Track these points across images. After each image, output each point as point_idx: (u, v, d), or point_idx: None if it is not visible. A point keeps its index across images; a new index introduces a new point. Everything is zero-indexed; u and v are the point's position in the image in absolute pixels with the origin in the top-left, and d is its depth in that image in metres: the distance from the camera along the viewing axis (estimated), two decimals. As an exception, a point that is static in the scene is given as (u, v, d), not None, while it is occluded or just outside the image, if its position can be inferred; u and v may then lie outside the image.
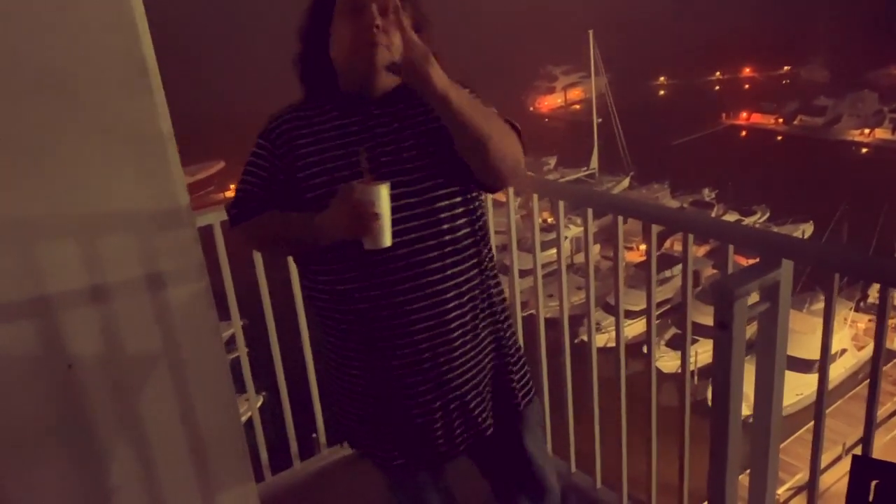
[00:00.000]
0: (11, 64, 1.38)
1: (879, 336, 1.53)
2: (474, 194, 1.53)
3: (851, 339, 17.70)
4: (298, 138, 1.47)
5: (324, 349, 1.62)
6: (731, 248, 1.81)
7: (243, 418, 2.02)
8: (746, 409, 1.85)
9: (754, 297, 1.74)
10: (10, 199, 1.43)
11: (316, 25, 1.47)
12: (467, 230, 1.50)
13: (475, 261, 1.51)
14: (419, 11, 1.47)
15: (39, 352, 1.52)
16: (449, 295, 1.47)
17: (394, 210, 1.37)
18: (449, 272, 1.47)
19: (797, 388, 13.62)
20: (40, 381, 1.54)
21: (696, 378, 13.31)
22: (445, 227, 1.46)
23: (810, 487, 1.86)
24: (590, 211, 2.15)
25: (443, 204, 1.46)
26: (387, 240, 1.36)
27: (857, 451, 1.51)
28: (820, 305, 15.86)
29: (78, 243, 1.53)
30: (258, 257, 2.31)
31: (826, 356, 1.66)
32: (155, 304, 1.63)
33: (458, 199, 1.49)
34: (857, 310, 18.35)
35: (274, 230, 1.52)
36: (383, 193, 1.33)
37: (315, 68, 1.50)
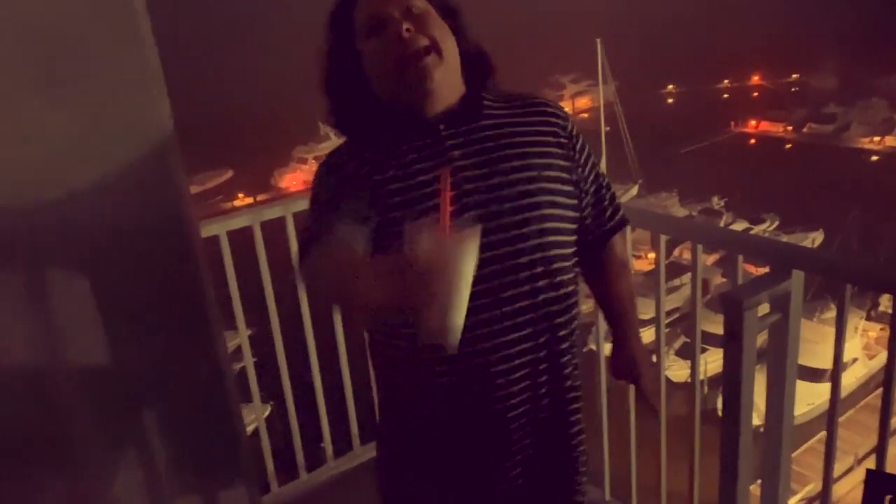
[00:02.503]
0: (11, 72, 1.37)
1: (893, 347, 1.50)
2: (574, 250, 1.30)
3: (862, 348, 17.56)
4: (358, 177, 1.22)
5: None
6: (740, 258, 1.80)
7: (249, 429, 2.01)
8: (757, 419, 1.83)
9: (765, 308, 1.72)
10: (10, 207, 1.42)
11: (342, 64, 1.25)
12: (569, 287, 1.27)
13: (569, 328, 1.29)
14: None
15: (36, 364, 1.51)
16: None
17: (481, 252, 1.11)
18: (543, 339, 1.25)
19: (808, 398, 13.51)
20: (37, 395, 1.52)
21: (705, 387, 13.22)
22: (541, 282, 1.22)
23: (823, 499, 1.84)
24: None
25: (549, 243, 1.22)
26: (454, 333, 0.92)
27: (870, 462, 1.49)
28: (830, 314, 15.75)
29: (80, 252, 1.51)
30: (265, 265, 2.30)
31: (838, 368, 1.64)
32: (158, 314, 1.62)
33: (564, 250, 1.25)
34: (868, 319, 18.21)
35: (321, 269, 1.19)
36: (467, 256, 0.89)
37: (356, 110, 1.26)
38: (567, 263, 1.26)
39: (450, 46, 1.22)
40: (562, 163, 1.27)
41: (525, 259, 1.20)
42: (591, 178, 1.35)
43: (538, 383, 1.26)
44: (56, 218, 1.47)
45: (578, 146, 1.32)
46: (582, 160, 1.32)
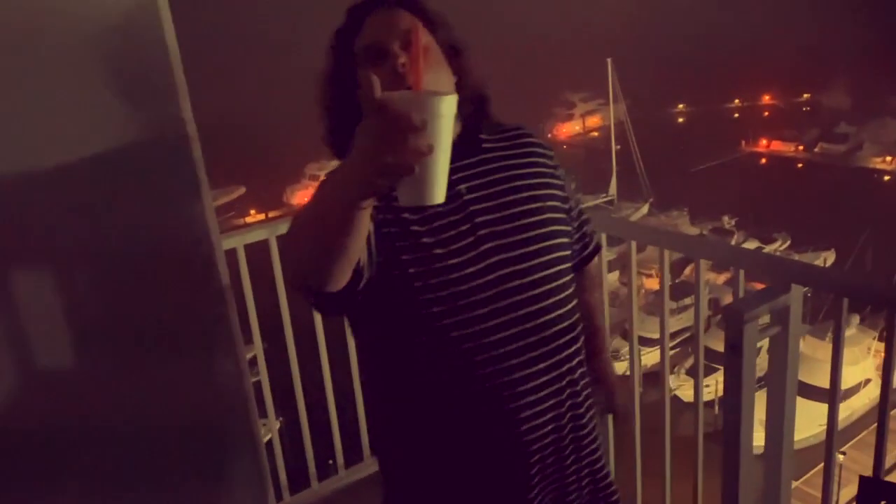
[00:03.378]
0: (42, 86, 1.44)
1: (889, 358, 1.55)
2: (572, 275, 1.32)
3: (875, 368, 17.38)
4: None
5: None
6: (741, 273, 1.85)
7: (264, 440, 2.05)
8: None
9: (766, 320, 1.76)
10: (37, 221, 1.48)
11: (340, 88, 1.23)
12: (577, 315, 1.30)
13: (581, 354, 1.32)
14: (452, 36, 1.27)
15: (61, 371, 1.56)
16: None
17: (497, 285, 1.16)
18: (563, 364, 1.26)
19: (820, 419, 13.34)
20: (61, 402, 1.56)
21: (716, 407, 13.12)
22: (555, 312, 1.24)
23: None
24: (604, 236, 2.18)
25: (553, 277, 1.25)
26: (438, 192, 0.87)
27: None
28: (845, 334, 15.53)
29: (105, 267, 1.57)
30: (280, 278, 2.35)
31: (836, 381, 1.67)
32: (180, 326, 1.67)
33: (569, 277, 1.29)
34: (880, 339, 18.04)
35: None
36: (444, 108, 0.83)
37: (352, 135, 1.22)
38: (571, 291, 1.29)
39: (444, 85, 1.21)
40: (559, 193, 1.32)
41: (542, 289, 1.22)
42: (576, 205, 1.40)
43: (561, 413, 1.27)
44: (87, 234, 1.53)
45: (563, 176, 1.36)
46: (568, 190, 1.36)
